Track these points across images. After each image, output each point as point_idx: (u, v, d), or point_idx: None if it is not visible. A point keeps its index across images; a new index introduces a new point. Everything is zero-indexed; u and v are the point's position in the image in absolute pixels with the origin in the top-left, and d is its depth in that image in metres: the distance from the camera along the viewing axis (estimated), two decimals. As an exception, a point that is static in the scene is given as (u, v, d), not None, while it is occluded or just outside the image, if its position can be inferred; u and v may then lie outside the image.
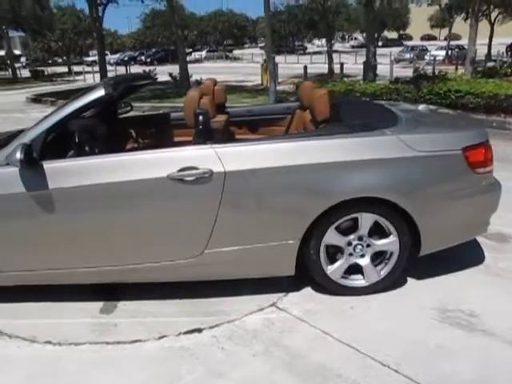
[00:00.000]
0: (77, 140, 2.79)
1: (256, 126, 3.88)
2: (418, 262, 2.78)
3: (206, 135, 2.60)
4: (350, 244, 2.62)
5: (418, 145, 2.51)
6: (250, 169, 2.45)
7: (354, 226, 2.59)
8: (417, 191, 2.52)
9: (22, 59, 57.09)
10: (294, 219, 2.49)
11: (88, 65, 33.57)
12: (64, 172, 2.50)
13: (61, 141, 2.81)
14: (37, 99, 15.23)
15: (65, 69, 31.38)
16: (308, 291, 2.78)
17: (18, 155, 2.33)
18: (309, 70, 15.19)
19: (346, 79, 11.55)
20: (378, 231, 2.62)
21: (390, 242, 2.61)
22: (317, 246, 2.56)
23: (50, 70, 30.13)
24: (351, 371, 2.12)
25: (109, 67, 19.71)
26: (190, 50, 42.13)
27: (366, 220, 2.55)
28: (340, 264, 2.65)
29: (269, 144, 2.54)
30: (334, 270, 2.64)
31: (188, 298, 2.78)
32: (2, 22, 24.05)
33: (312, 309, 2.62)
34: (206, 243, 2.54)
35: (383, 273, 2.67)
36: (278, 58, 32.12)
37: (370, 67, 10.53)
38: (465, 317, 2.47)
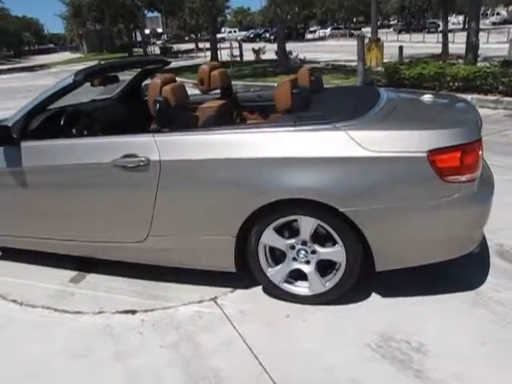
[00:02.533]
0: (62, 122, 3.00)
1: (268, 110, 3.71)
2: (395, 276, 2.44)
3: (162, 122, 2.59)
4: (293, 248, 2.40)
5: (371, 143, 2.14)
6: (185, 159, 2.38)
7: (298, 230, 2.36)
8: (365, 198, 2.16)
9: (163, 36, 62.42)
10: (228, 215, 2.37)
11: (217, 42, 35.21)
12: (35, 151, 2.73)
13: (52, 123, 3.05)
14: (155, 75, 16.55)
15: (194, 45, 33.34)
16: (257, 291, 2.64)
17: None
18: (422, 50, 13.86)
19: (458, 61, 10.27)
20: (328, 238, 2.35)
21: (335, 252, 2.31)
22: (255, 245, 2.41)
23: (179, 46, 32.27)
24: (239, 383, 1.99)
25: (233, 44, 20.48)
26: (316, 27, 41.43)
27: (306, 224, 2.30)
28: (280, 267, 2.45)
29: (209, 135, 2.43)
30: (274, 272, 2.46)
31: (144, 279, 2.85)
32: (140, 3, 26.41)
33: (247, 310, 2.49)
34: (149, 229, 2.57)
35: (329, 284, 2.39)
36: (403, 37, 30.05)
37: (470, 47, 9.09)
38: (407, 351, 2.09)
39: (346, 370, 2.01)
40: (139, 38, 48.00)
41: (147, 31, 58.38)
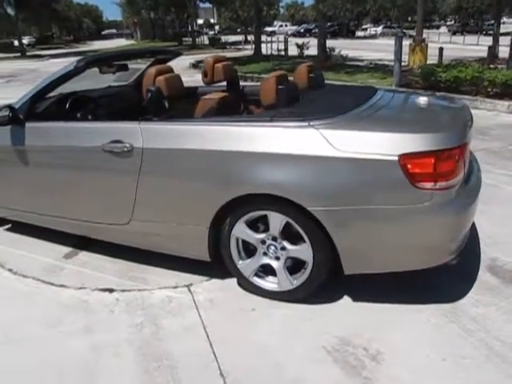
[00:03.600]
0: (66, 106, 3.15)
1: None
2: (373, 281, 2.43)
3: (153, 111, 2.67)
4: (264, 243, 2.42)
5: (342, 143, 2.10)
6: (165, 148, 2.45)
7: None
8: (333, 198, 2.13)
9: (216, 27, 63.01)
10: (202, 205, 2.41)
11: (268, 35, 35.21)
12: (37, 132, 2.90)
13: (62, 105, 3.21)
14: (195, 65, 16.85)
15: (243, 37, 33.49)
16: (231, 282, 2.66)
17: (6, 114, 2.81)
18: (472, 54, 13.25)
19: (501, 66, 9.75)
20: (298, 236, 2.34)
21: (302, 250, 2.30)
22: (227, 237, 2.44)
23: (227, 38, 32.49)
24: (190, 369, 2.04)
25: (280, 38, 20.43)
26: (369, 25, 40.44)
27: (275, 220, 2.30)
28: (251, 261, 2.47)
29: (189, 125, 2.48)
30: (244, 265, 2.49)
31: (131, 261, 2.95)
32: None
33: (216, 299, 2.54)
34: (132, 213, 2.66)
35: (296, 282, 2.38)
36: (457, 39, 28.66)
37: (514, 51, 8.57)
38: (362, 357, 2.05)
39: (294, 368, 2.01)
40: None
41: (201, 21, 59.20)
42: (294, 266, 2.41)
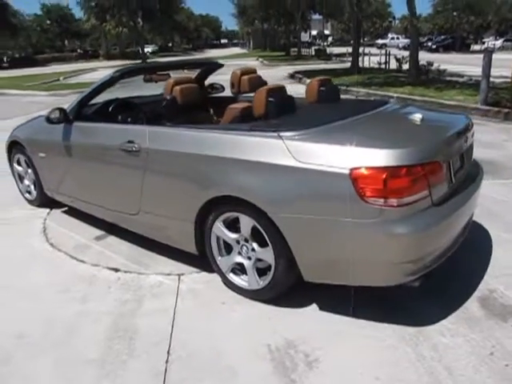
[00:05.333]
0: (110, 110, 3.64)
1: None
2: (346, 292, 2.48)
3: (167, 117, 3.02)
4: (238, 242, 2.61)
5: (301, 155, 2.21)
6: (163, 149, 2.78)
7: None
8: (289, 205, 2.25)
9: (329, 39, 63.18)
10: (188, 203, 2.66)
11: (378, 47, 34.52)
12: (81, 130, 3.43)
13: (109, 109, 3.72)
14: (292, 75, 17.23)
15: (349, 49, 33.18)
16: (217, 277, 2.88)
17: (58, 115, 3.39)
18: None
19: None
20: (264, 239, 2.47)
21: (265, 253, 2.44)
22: (209, 234, 2.68)
23: (333, 49, 32.45)
24: (145, 343, 2.30)
25: (395, 51, 19.88)
26: (489, 38, 37.27)
27: (244, 222, 2.47)
28: (227, 258, 2.67)
29: (184, 131, 2.76)
30: (223, 261, 2.70)
31: (144, 247, 3.32)
32: (303, 6, 27.46)
33: (197, 290, 2.77)
34: (139, 206, 3.03)
35: (262, 283, 2.52)
36: None
37: None
38: (299, 361, 2.12)
39: (232, 358, 2.17)
40: (305, 39, 49.47)
41: (314, 32, 59.85)
42: (265, 268, 2.56)
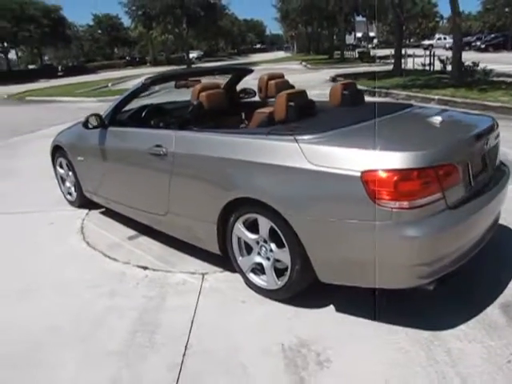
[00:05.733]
0: (144, 115, 3.83)
1: None
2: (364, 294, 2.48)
3: (193, 121, 3.15)
4: (258, 243, 2.68)
5: (316, 158, 2.26)
6: (188, 153, 2.90)
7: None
8: (303, 207, 2.30)
9: (374, 41, 62.13)
10: (211, 204, 2.77)
11: (424, 48, 33.52)
12: (115, 135, 3.64)
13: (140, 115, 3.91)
14: (333, 78, 17.11)
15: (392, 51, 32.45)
16: (239, 276, 2.96)
17: (94, 120, 3.61)
18: None
19: None
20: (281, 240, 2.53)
21: (282, 253, 2.50)
22: (230, 234, 2.77)
23: (377, 52, 31.86)
24: (165, 337, 2.43)
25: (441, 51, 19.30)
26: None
27: (263, 223, 2.55)
28: (247, 258, 2.75)
29: (208, 135, 2.87)
30: (243, 261, 2.78)
31: (173, 247, 3.45)
32: (345, 9, 27.22)
33: (219, 288, 2.87)
34: (167, 207, 3.18)
35: (280, 283, 2.58)
36: None
37: None
38: (310, 360, 2.16)
39: (245, 355, 2.24)
40: (350, 41, 48.99)
41: (359, 35, 59.01)
42: (283, 268, 2.62)
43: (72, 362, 2.30)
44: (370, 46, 49.49)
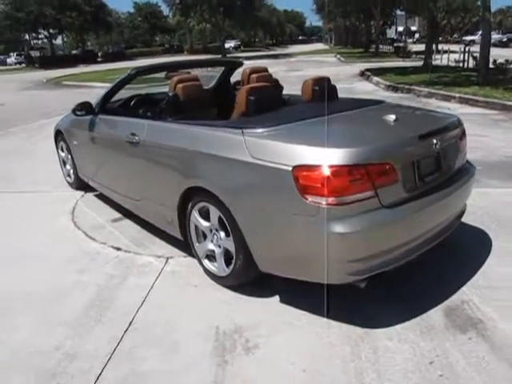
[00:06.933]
0: (131, 104, 3.99)
1: None
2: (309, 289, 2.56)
3: (167, 112, 3.27)
4: (211, 231, 2.79)
5: (255, 151, 2.34)
6: (154, 141, 3.05)
7: None
8: (243, 199, 2.41)
9: (416, 35, 60.28)
10: (171, 191, 2.90)
11: (466, 44, 32.34)
12: (103, 122, 3.81)
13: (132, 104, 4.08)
14: (362, 73, 16.87)
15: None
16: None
17: (83, 108, 3.81)
18: None
19: None
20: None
21: (229, 242, 2.61)
22: (188, 221, 2.90)
23: (415, 47, 30.89)
24: (115, 313, 2.59)
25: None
26: None
27: (213, 212, 2.65)
28: (202, 245, 2.87)
29: (173, 125, 3.00)
30: (198, 247, 2.91)
31: (151, 232, 3.59)
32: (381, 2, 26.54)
33: (178, 272, 3.02)
34: (141, 192, 3.35)
35: (228, 271, 2.69)
36: None
37: None
38: (238, 345, 2.27)
39: (181, 334, 2.37)
40: (391, 35, 47.76)
41: (400, 29, 57.42)
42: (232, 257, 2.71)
43: (27, 326, 2.51)
44: (410, 40, 48.12)
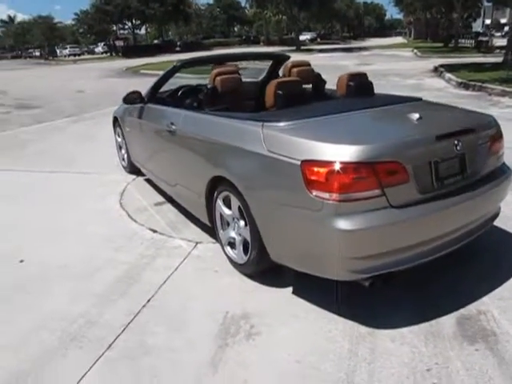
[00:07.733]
0: (178, 94, 4.20)
1: None
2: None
3: (206, 103, 3.45)
4: (233, 219, 2.91)
5: (271, 144, 2.40)
6: (188, 131, 3.22)
7: None
8: (257, 190, 2.50)
9: (506, 28, 55.98)
10: (201, 180, 3.05)
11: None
12: (150, 111, 4.07)
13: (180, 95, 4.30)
14: (436, 69, 16.08)
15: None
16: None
17: (134, 97, 4.09)
18: None
19: None
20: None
21: (244, 230, 2.71)
22: (213, 208, 3.05)
23: (498, 41, 28.67)
24: (136, 291, 2.80)
25: None
26: None
27: (233, 201, 2.76)
28: (225, 232, 3.00)
29: (206, 116, 3.15)
30: (222, 234, 3.04)
31: (187, 216, 3.77)
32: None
33: (203, 257, 3.18)
34: (176, 178, 3.56)
35: (245, 259, 2.79)
36: None
37: None
38: (241, 331, 2.37)
39: (190, 316, 2.52)
40: (477, 28, 44.72)
41: (488, 21, 53.49)
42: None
43: (60, 295, 2.80)
44: (499, 34, 44.63)
